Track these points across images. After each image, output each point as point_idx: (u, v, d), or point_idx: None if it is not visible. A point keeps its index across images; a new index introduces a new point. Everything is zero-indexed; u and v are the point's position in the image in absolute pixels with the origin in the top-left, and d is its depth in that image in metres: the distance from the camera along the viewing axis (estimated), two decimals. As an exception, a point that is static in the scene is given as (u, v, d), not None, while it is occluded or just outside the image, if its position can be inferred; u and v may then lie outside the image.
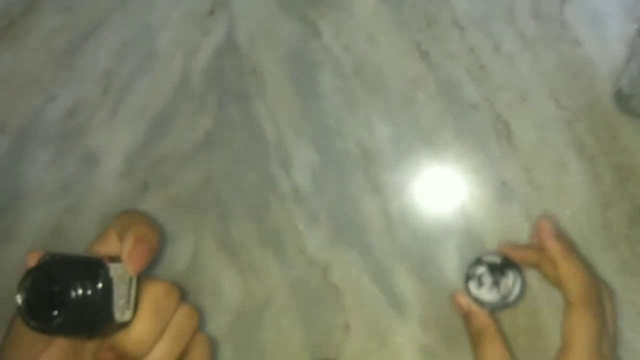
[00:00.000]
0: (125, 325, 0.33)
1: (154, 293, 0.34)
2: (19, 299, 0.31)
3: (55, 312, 0.30)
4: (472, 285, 0.45)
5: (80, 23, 0.59)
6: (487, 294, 0.44)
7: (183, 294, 0.36)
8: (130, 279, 0.33)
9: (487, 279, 0.44)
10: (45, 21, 0.60)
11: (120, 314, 0.32)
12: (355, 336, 0.52)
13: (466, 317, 0.45)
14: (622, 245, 0.51)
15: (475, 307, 0.44)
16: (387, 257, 0.52)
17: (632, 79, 0.51)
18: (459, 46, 0.55)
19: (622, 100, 0.52)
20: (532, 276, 0.51)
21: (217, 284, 0.54)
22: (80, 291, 0.30)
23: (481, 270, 0.45)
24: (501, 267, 0.44)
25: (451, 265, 0.52)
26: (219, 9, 0.58)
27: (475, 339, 0.43)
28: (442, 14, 0.55)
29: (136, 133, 0.57)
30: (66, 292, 0.30)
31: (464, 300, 0.44)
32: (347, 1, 0.57)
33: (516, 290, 0.44)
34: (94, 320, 0.31)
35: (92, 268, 0.31)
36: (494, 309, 0.45)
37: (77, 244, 0.55)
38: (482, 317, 0.44)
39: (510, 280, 0.44)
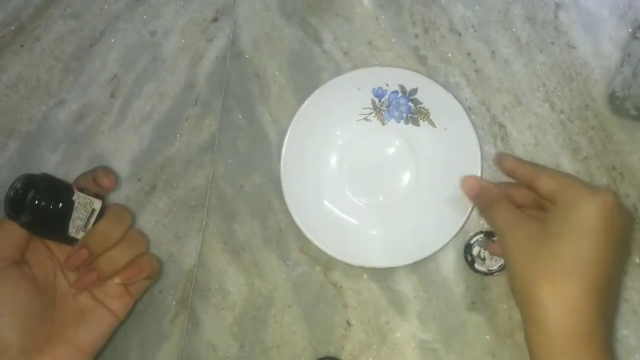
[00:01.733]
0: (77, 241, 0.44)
1: (114, 208, 0.47)
2: (6, 196, 0.43)
3: (24, 212, 0.42)
4: (479, 266, 0.51)
5: (87, 29, 0.60)
6: (494, 263, 0.51)
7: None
8: (93, 210, 0.45)
9: (485, 253, 0.51)
10: (52, 27, 0.60)
11: (75, 231, 0.44)
12: (356, 333, 0.53)
13: (479, 195, 0.47)
14: (615, 244, 0.52)
15: (485, 182, 0.48)
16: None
17: (625, 82, 0.52)
18: (455, 51, 0.56)
19: (615, 102, 0.53)
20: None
21: (222, 283, 0.54)
22: (43, 202, 0.42)
23: (475, 250, 0.51)
24: (487, 237, 0.51)
25: (449, 263, 0.53)
26: (223, 16, 0.59)
27: (488, 209, 0.45)
28: (439, 20, 0.56)
29: (143, 136, 0.58)
30: (34, 200, 0.42)
31: (474, 180, 0.48)
32: (346, 8, 0.57)
33: None
34: (49, 226, 0.44)
35: (61, 189, 0.44)
36: (504, 268, 0.51)
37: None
38: (493, 190, 0.47)
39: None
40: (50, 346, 0.43)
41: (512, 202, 0.45)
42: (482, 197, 0.47)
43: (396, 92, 0.54)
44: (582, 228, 0.39)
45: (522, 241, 0.41)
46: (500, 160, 0.48)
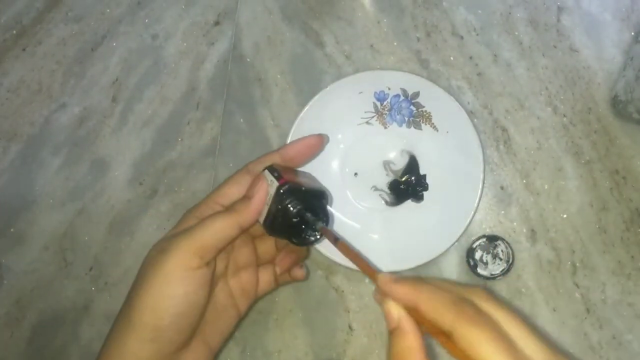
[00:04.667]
0: None
1: None
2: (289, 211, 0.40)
3: (311, 233, 0.41)
4: (481, 270, 0.51)
5: (89, 33, 0.60)
6: (496, 267, 0.51)
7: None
8: None
9: (487, 257, 0.52)
10: (54, 31, 0.60)
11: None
12: (357, 337, 0.52)
13: (393, 333, 0.32)
14: (619, 248, 0.51)
15: (408, 324, 0.32)
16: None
17: (628, 85, 0.51)
18: (457, 54, 0.55)
19: (618, 105, 0.52)
20: (530, 278, 0.52)
21: (223, 287, 0.54)
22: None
23: (478, 255, 0.52)
24: (489, 242, 0.52)
25: (451, 268, 0.53)
26: (225, 20, 0.59)
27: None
28: (441, 24, 0.56)
29: (144, 140, 0.58)
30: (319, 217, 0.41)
31: (395, 311, 0.32)
32: (348, 12, 0.57)
33: (511, 250, 0.52)
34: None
35: (325, 199, 0.42)
36: (506, 272, 0.51)
37: (87, 248, 0.57)
38: (411, 338, 0.31)
39: (502, 245, 0.52)
40: (194, 345, 0.41)
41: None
42: (396, 339, 0.32)
43: (398, 95, 0.54)
44: None
45: None
46: (394, 291, 0.33)
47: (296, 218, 0.40)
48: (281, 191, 0.40)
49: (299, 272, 0.46)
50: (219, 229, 0.39)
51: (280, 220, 0.40)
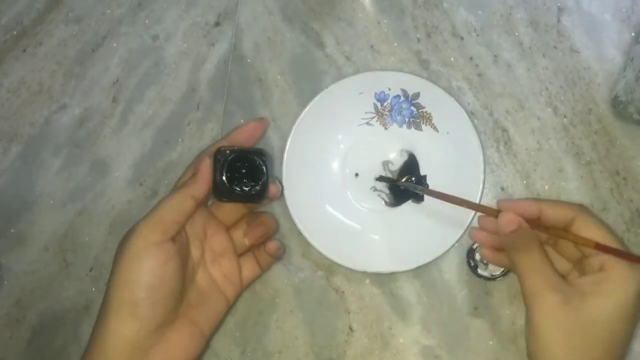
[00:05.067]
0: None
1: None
2: (222, 174, 0.45)
3: (251, 185, 0.45)
4: (482, 271, 0.51)
5: (89, 34, 0.60)
6: (496, 268, 0.51)
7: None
8: None
9: None
10: (55, 32, 0.60)
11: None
12: (358, 338, 0.52)
13: (516, 233, 0.42)
14: (619, 249, 0.51)
15: (524, 222, 0.43)
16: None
17: (628, 86, 0.51)
18: (458, 55, 0.55)
19: (618, 106, 0.52)
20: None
21: (223, 288, 0.54)
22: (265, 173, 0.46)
23: (478, 255, 0.51)
24: None
25: (451, 268, 0.53)
26: (225, 20, 0.59)
27: (517, 251, 0.42)
28: (441, 24, 0.56)
29: (144, 141, 0.58)
30: (260, 172, 0.46)
31: (515, 217, 0.43)
32: (348, 12, 0.57)
33: None
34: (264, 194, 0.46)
35: (264, 156, 0.46)
36: (507, 273, 0.51)
37: (87, 248, 0.57)
38: (531, 233, 0.43)
39: None
40: (179, 324, 0.44)
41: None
42: (517, 236, 0.43)
43: (398, 96, 0.54)
44: (622, 313, 0.39)
45: (552, 308, 0.39)
46: (517, 206, 0.44)
47: (230, 176, 0.45)
48: (217, 156, 0.45)
49: (272, 245, 0.49)
50: (174, 204, 0.43)
51: (219, 179, 0.45)
